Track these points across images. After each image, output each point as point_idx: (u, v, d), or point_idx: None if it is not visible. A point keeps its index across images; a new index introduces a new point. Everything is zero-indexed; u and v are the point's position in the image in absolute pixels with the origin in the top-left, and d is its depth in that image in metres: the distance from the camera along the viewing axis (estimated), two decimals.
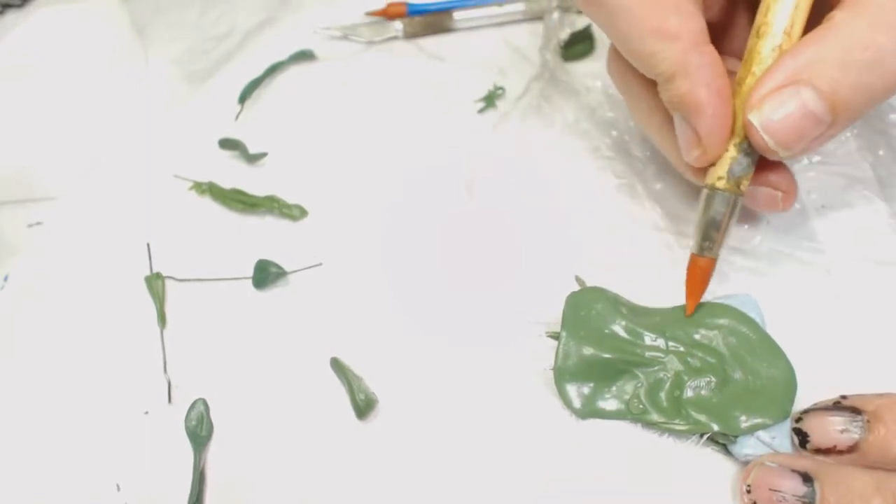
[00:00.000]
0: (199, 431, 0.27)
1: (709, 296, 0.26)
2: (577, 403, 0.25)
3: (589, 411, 0.25)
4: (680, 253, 0.28)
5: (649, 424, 0.24)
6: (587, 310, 0.26)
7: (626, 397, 0.24)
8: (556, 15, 0.36)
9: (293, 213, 0.33)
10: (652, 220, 0.30)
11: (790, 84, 0.20)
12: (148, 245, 0.33)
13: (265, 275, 0.30)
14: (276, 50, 0.40)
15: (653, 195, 0.30)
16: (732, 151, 0.23)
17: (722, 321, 0.25)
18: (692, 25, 0.22)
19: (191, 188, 0.35)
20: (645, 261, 0.28)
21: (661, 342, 0.25)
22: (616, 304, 0.26)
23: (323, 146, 0.36)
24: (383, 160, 0.34)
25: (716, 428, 0.23)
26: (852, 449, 0.21)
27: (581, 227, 0.30)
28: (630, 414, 0.24)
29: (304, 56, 0.40)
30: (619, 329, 0.25)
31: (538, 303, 0.28)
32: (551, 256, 0.29)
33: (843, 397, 0.22)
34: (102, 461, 0.26)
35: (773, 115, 0.21)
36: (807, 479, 0.20)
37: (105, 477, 0.26)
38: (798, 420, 0.22)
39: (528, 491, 0.24)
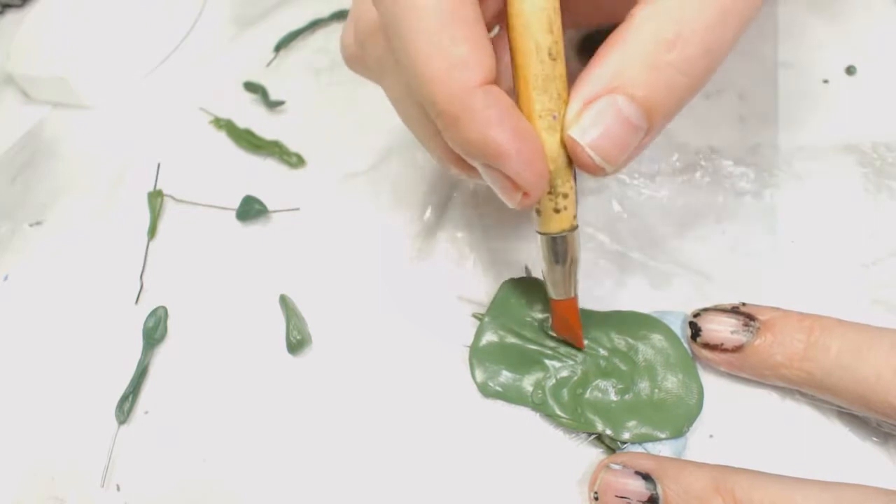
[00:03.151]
0: (154, 334, 0.29)
1: (648, 308, 0.26)
2: (482, 382, 0.25)
3: (493, 392, 0.25)
4: (636, 256, 0.28)
5: (546, 415, 0.25)
6: (517, 298, 0.27)
7: (531, 386, 0.25)
8: None
9: (292, 160, 0.35)
10: (616, 226, 0.30)
11: (603, 94, 0.19)
12: (158, 165, 0.36)
13: (248, 209, 0.33)
14: (323, 5, 0.42)
15: (623, 202, 0.30)
16: (574, 185, 0.21)
17: (649, 334, 0.25)
18: (483, 59, 0.18)
19: (210, 122, 0.38)
20: (597, 263, 0.29)
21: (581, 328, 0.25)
22: (549, 298, 0.27)
23: (334, 103, 0.38)
24: (384, 131, 0.36)
25: (604, 430, 0.23)
26: (736, 350, 0.22)
27: None
28: (530, 402, 0.25)
29: (344, 15, 0.42)
30: (541, 321, 0.26)
31: (482, 287, 0.29)
32: (510, 246, 0.30)
33: (743, 304, 0.23)
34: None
35: (594, 129, 0.19)
36: (648, 479, 0.20)
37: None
38: (696, 315, 0.24)
39: (419, 448, 0.25)
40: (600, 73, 0.19)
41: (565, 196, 0.21)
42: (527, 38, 0.19)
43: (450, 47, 0.18)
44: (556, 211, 0.21)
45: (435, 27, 0.18)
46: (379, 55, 0.23)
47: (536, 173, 0.19)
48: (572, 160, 0.20)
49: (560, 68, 0.20)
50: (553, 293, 0.24)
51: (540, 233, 0.22)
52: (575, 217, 0.22)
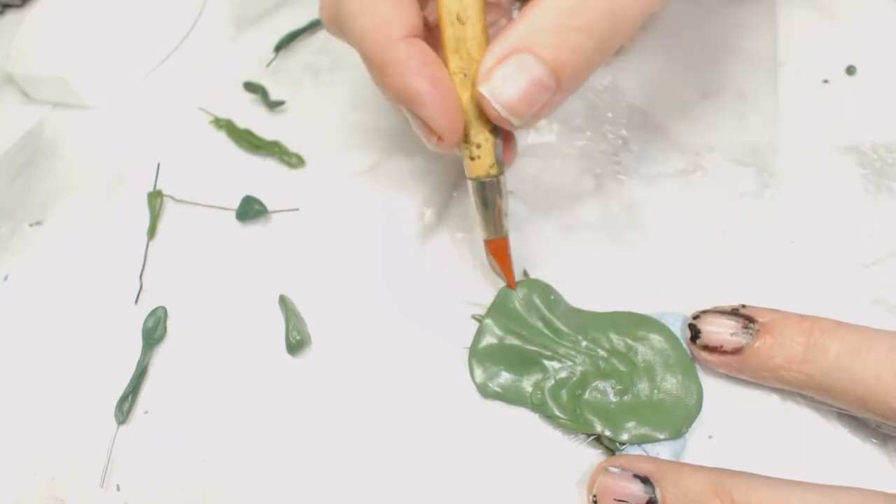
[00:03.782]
0: (153, 334, 0.29)
1: (647, 309, 0.26)
2: (481, 383, 0.25)
3: (492, 392, 0.25)
4: (636, 257, 0.28)
5: (545, 416, 0.25)
6: (516, 300, 0.27)
7: (530, 387, 0.25)
8: None
9: (292, 160, 0.35)
10: (616, 226, 0.30)
11: (513, 53, 0.20)
12: (158, 165, 0.36)
13: (248, 209, 0.33)
14: None
15: (623, 202, 0.30)
16: (491, 137, 0.23)
17: (649, 335, 0.25)
18: (404, 16, 0.21)
19: (210, 122, 0.38)
20: (596, 264, 0.29)
21: (579, 342, 0.25)
22: (548, 299, 0.26)
23: (334, 103, 0.37)
24: (384, 131, 0.36)
25: (603, 431, 0.23)
26: (736, 352, 0.23)
27: (547, 223, 0.30)
28: (529, 403, 0.25)
29: None
30: (540, 322, 0.26)
31: (483, 288, 0.28)
32: (511, 248, 0.30)
33: (743, 306, 0.24)
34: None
35: (503, 85, 0.21)
36: (647, 482, 0.20)
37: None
38: (695, 317, 0.24)
39: (419, 449, 0.25)
40: (511, 36, 0.21)
41: (478, 146, 0.23)
42: (443, 5, 0.22)
43: (375, 5, 0.21)
44: (472, 158, 0.24)
45: None
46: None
47: (448, 120, 0.22)
48: (484, 115, 0.22)
49: (470, 31, 0.22)
50: (483, 233, 0.26)
51: (468, 178, 0.24)
52: (493, 165, 0.24)
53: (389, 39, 0.21)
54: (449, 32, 0.22)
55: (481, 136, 0.23)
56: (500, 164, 0.24)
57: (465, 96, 0.23)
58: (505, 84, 0.21)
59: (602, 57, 0.21)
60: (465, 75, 0.23)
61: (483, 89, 0.21)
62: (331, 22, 0.26)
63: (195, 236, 0.33)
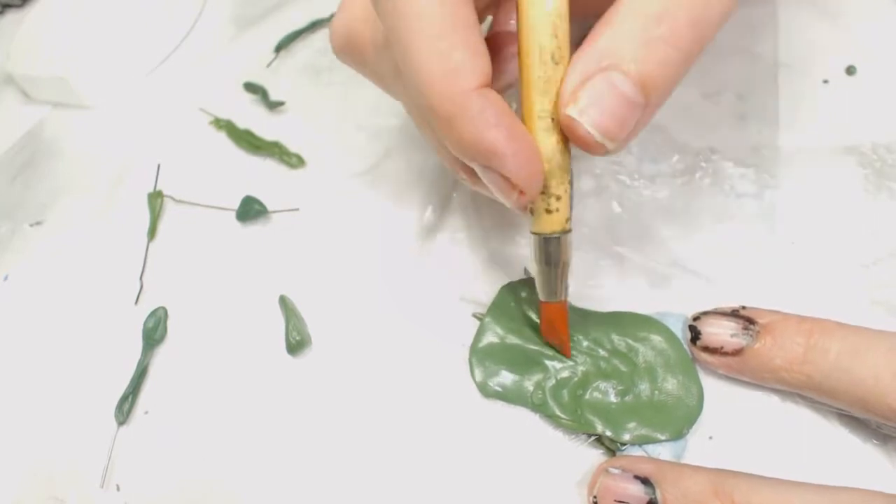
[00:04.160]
0: (153, 334, 0.29)
1: (647, 309, 0.26)
2: (481, 382, 0.25)
3: (493, 392, 0.25)
4: (636, 257, 0.28)
5: (546, 416, 0.25)
6: (517, 298, 0.27)
7: (531, 387, 0.25)
8: None
9: (292, 160, 0.35)
10: (616, 227, 0.30)
11: (598, 72, 0.19)
12: (158, 165, 0.36)
13: (248, 210, 0.33)
14: (323, 5, 0.42)
15: (623, 203, 0.30)
16: (569, 188, 0.21)
17: (649, 335, 0.25)
18: (480, 64, 0.19)
19: (210, 122, 0.38)
20: (597, 264, 0.29)
21: (580, 342, 0.25)
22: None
23: (335, 103, 0.37)
24: (384, 131, 0.36)
25: (604, 432, 0.23)
26: (736, 353, 0.22)
27: None
28: (530, 403, 0.25)
29: None
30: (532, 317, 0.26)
31: (483, 287, 0.28)
32: (510, 247, 0.30)
33: (743, 307, 0.23)
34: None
35: (591, 106, 0.19)
36: (647, 483, 0.20)
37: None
38: (695, 318, 0.24)
39: (420, 448, 0.25)
40: (593, 52, 0.19)
41: (558, 198, 0.21)
42: (531, 41, 0.20)
43: (447, 52, 0.18)
44: (549, 212, 0.22)
45: (432, 33, 0.18)
46: (379, 59, 0.24)
47: (531, 172, 0.20)
48: (571, 142, 0.20)
49: (562, 72, 0.20)
50: (542, 295, 0.24)
51: (533, 233, 0.22)
52: (568, 220, 0.22)
53: (462, 90, 0.19)
54: (539, 72, 0.20)
55: (562, 188, 0.21)
56: (571, 219, 0.22)
57: (549, 142, 0.20)
58: (594, 105, 0.19)
59: (688, 67, 0.20)
60: (552, 120, 0.20)
61: (571, 112, 0.19)
62: (345, 51, 0.24)
63: (195, 237, 0.33)
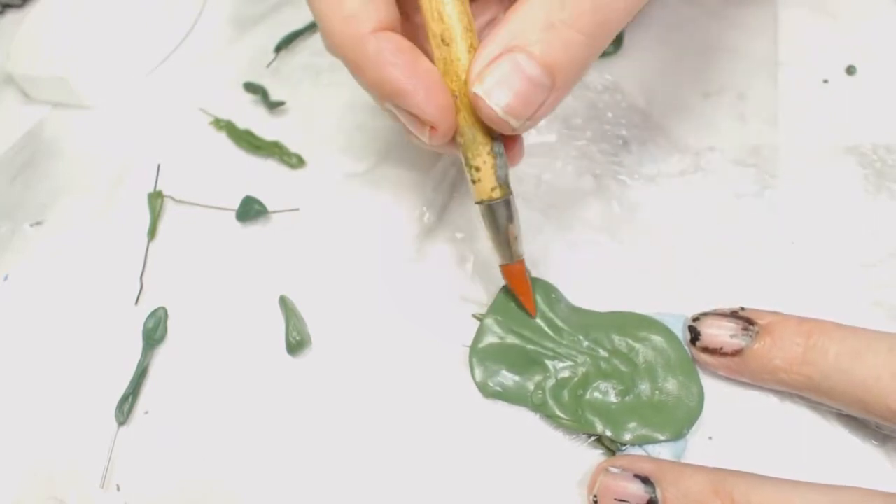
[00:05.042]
0: (153, 334, 0.29)
1: (647, 309, 0.26)
2: (482, 382, 0.25)
3: (493, 392, 0.25)
4: (636, 257, 0.28)
5: (546, 416, 0.25)
6: (517, 299, 0.26)
7: (531, 387, 0.25)
8: None
9: (292, 161, 0.35)
10: (616, 227, 0.30)
11: (505, 53, 0.20)
12: (158, 165, 0.36)
13: (248, 210, 0.33)
14: None
15: (623, 203, 0.30)
16: (489, 159, 0.22)
17: (649, 336, 0.25)
18: (372, 9, 0.21)
19: (210, 123, 0.38)
20: (596, 264, 0.29)
21: (580, 342, 0.25)
22: (549, 297, 0.27)
23: (335, 103, 0.37)
24: (384, 131, 0.36)
25: (604, 432, 0.23)
26: (736, 354, 0.23)
27: (547, 223, 0.30)
28: (530, 403, 0.25)
29: None
30: (541, 322, 0.26)
31: (483, 287, 0.29)
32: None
33: (742, 308, 0.23)
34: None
35: (496, 86, 0.20)
36: (647, 482, 0.20)
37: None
38: (695, 319, 0.24)
39: (420, 448, 0.25)
40: (500, 35, 0.20)
41: (477, 169, 0.23)
42: (427, 26, 0.22)
43: (341, 3, 0.21)
44: (473, 182, 0.23)
45: None
46: None
47: (437, 105, 0.21)
48: (480, 118, 0.21)
49: (455, 52, 0.21)
50: (498, 258, 0.25)
51: (486, 202, 0.23)
52: (495, 188, 0.23)
53: (358, 34, 0.20)
54: (437, 55, 0.22)
55: (479, 160, 0.22)
56: (505, 185, 0.23)
57: (459, 118, 0.22)
58: (500, 85, 0.20)
59: (594, 52, 0.21)
60: (455, 97, 0.22)
61: (478, 90, 0.20)
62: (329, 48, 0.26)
63: (195, 237, 0.33)
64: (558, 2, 0.20)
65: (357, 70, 0.21)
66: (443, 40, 0.21)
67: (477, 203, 0.24)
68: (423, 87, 0.21)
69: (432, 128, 0.21)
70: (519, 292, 0.26)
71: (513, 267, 0.25)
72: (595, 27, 0.20)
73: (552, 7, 0.20)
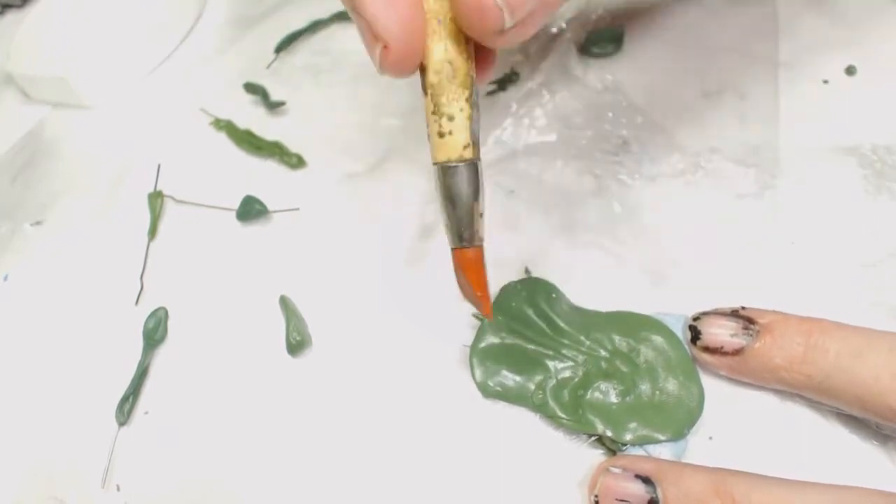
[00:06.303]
0: (154, 334, 0.29)
1: (647, 309, 0.26)
2: (482, 382, 0.25)
3: (493, 392, 0.25)
4: (636, 257, 0.28)
5: (546, 416, 0.25)
6: (518, 299, 0.27)
7: (532, 387, 0.25)
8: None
9: (292, 161, 0.35)
10: (617, 227, 0.30)
11: None
12: (158, 165, 0.36)
13: (248, 209, 0.33)
14: (324, 6, 0.42)
15: (624, 203, 0.30)
16: (467, 107, 0.18)
17: (650, 336, 0.25)
18: None
19: (211, 123, 0.38)
20: (596, 264, 0.29)
21: (581, 342, 0.25)
22: (550, 297, 0.27)
23: (335, 104, 0.37)
24: (384, 131, 0.36)
25: (605, 432, 0.23)
26: (736, 353, 0.22)
27: (547, 223, 0.30)
28: (531, 403, 0.25)
29: (344, 16, 0.42)
30: (541, 321, 0.26)
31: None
32: (512, 247, 0.30)
33: (742, 307, 0.23)
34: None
35: None
36: (648, 482, 0.20)
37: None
38: (696, 319, 0.24)
39: (420, 448, 0.25)
40: None
41: (451, 118, 0.18)
42: None
43: None
44: (441, 135, 0.19)
45: None
46: None
47: (396, 18, 0.17)
48: (463, 18, 0.17)
49: None
50: (449, 239, 0.20)
51: (453, 161, 0.19)
52: (468, 147, 0.19)
53: None
54: None
55: (455, 106, 0.18)
56: (477, 145, 0.19)
57: (440, 48, 0.18)
58: None
59: None
60: (438, 22, 0.18)
61: None
62: None
63: (196, 237, 0.33)
64: None
65: None
66: None
67: (439, 164, 0.19)
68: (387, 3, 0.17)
69: (385, 46, 0.17)
70: (474, 284, 0.20)
71: (468, 251, 0.20)
72: None
73: None
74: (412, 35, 0.18)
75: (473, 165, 0.19)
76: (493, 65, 0.22)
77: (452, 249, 0.20)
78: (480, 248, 0.20)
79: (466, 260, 0.20)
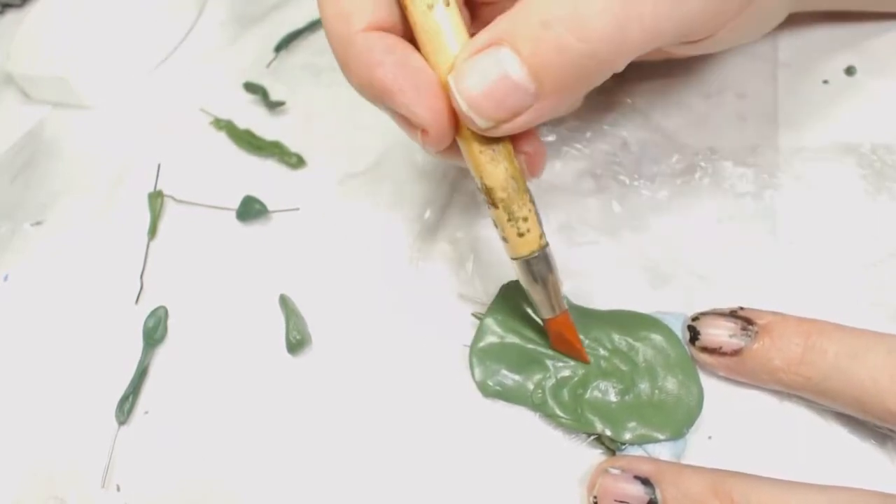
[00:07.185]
0: (154, 334, 0.29)
1: (647, 309, 0.26)
2: (481, 381, 0.25)
3: (493, 391, 0.25)
4: (636, 257, 0.28)
5: (546, 416, 0.25)
6: (517, 297, 0.27)
7: (531, 386, 0.25)
8: None
9: (292, 160, 0.35)
10: (616, 227, 0.30)
11: (491, 45, 0.18)
12: (158, 165, 0.36)
13: (248, 209, 0.33)
14: None
15: (623, 202, 0.30)
16: (531, 205, 0.21)
17: (649, 334, 0.25)
18: (367, 7, 0.20)
19: (211, 123, 0.38)
20: (596, 264, 0.29)
21: (580, 341, 0.25)
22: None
23: (335, 103, 0.37)
24: (384, 131, 0.36)
25: (604, 431, 0.24)
26: (735, 353, 0.22)
27: (547, 223, 0.30)
28: (530, 402, 0.25)
29: None
30: (541, 320, 0.26)
31: (483, 286, 0.29)
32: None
33: (741, 308, 0.23)
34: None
35: (470, 78, 0.18)
36: (647, 483, 0.20)
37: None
38: (694, 319, 0.24)
39: (420, 448, 0.25)
40: (494, 26, 0.18)
41: (525, 220, 0.21)
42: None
43: (336, 1, 0.20)
44: (521, 235, 0.21)
45: None
46: None
47: (427, 108, 0.19)
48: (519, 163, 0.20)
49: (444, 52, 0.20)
50: (542, 313, 0.24)
51: (513, 259, 0.22)
52: (542, 236, 0.22)
53: (350, 31, 0.20)
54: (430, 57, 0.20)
55: (525, 209, 0.21)
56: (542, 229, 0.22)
57: (500, 169, 0.21)
58: (472, 76, 0.18)
59: (597, 68, 0.18)
60: (494, 149, 0.20)
61: (450, 78, 0.19)
62: None
63: (196, 236, 0.33)
64: (562, 2, 0.17)
65: (345, 68, 0.21)
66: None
67: (519, 258, 0.22)
68: (412, 86, 0.19)
69: (423, 131, 0.20)
70: (571, 341, 0.24)
71: (560, 318, 0.23)
72: (604, 37, 0.17)
73: (553, 5, 0.17)
74: (444, 117, 0.20)
75: (547, 250, 0.22)
76: (542, 160, 0.24)
77: (546, 320, 0.24)
78: (566, 312, 0.24)
79: (561, 325, 0.24)
